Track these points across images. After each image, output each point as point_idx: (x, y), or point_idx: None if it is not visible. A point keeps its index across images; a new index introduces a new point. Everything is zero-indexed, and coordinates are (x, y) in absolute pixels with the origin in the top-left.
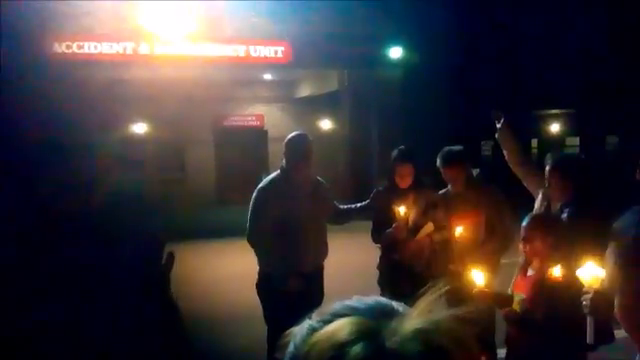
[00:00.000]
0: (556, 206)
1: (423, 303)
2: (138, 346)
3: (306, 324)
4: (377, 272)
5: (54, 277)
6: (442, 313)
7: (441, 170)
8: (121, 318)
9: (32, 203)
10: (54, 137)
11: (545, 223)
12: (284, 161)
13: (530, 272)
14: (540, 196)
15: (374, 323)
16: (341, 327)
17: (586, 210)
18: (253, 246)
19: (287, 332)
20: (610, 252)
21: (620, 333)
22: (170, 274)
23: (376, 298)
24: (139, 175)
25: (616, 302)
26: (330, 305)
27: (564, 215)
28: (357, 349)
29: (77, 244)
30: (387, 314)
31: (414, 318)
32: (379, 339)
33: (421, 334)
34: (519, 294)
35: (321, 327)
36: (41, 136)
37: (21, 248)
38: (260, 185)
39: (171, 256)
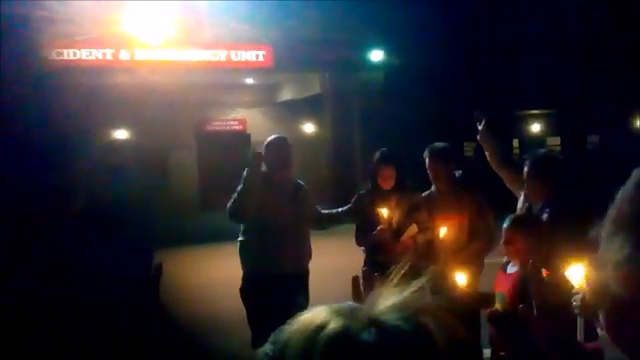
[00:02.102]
0: (537, 206)
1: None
2: (127, 357)
3: (261, 352)
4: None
5: (32, 286)
6: (409, 291)
7: (426, 162)
8: (110, 328)
9: (11, 208)
10: (33, 143)
11: (526, 224)
12: (264, 165)
13: (510, 269)
14: (522, 197)
15: (348, 308)
16: (318, 312)
17: (566, 209)
18: (234, 210)
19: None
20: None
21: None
22: (159, 285)
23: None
24: (122, 181)
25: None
26: (281, 329)
27: (545, 215)
28: (336, 322)
29: (60, 252)
30: (357, 307)
31: (386, 298)
32: (356, 315)
33: (396, 307)
34: (500, 293)
35: (275, 352)
36: (20, 142)
37: None
38: None
39: (159, 267)
